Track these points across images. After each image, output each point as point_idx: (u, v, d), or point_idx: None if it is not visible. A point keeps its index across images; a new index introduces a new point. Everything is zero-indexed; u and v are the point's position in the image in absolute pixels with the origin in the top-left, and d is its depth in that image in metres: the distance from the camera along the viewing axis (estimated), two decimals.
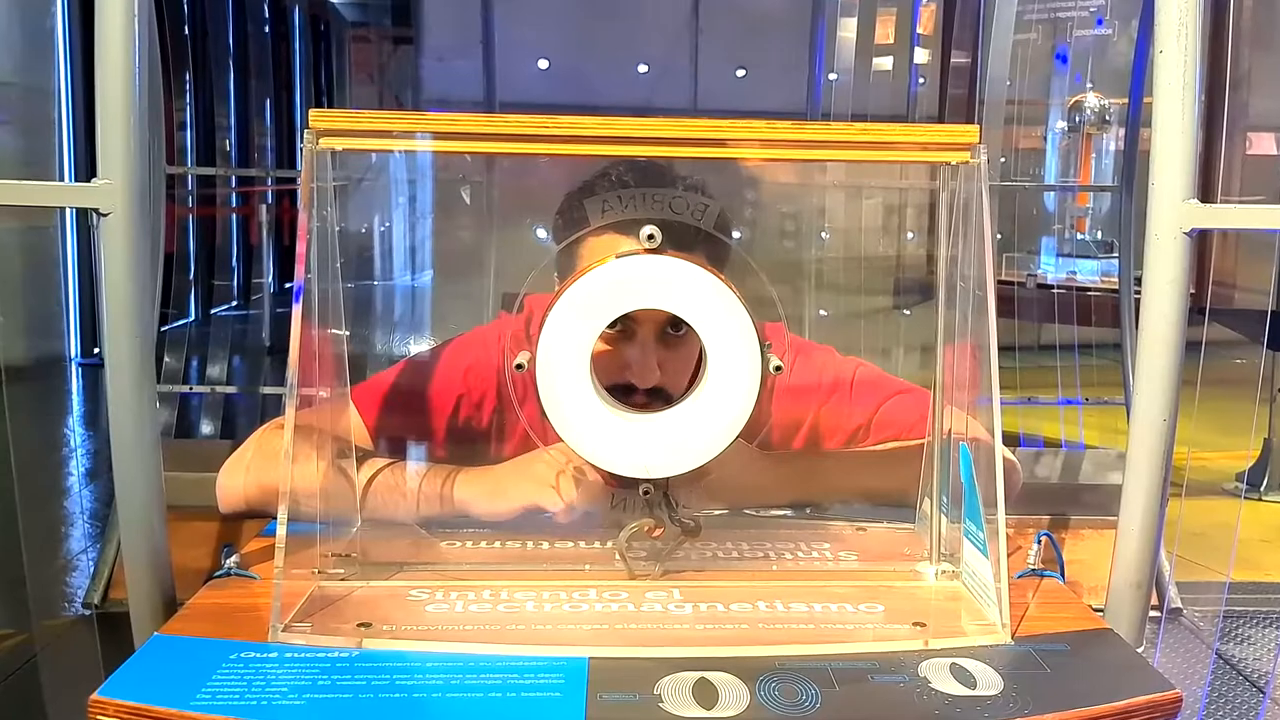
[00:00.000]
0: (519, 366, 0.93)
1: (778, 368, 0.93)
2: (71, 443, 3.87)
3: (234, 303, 5.82)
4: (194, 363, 3.53)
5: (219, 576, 0.96)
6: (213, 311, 5.30)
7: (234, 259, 6.02)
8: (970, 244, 0.92)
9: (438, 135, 0.91)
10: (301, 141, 0.88)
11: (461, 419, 1.21)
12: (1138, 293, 0.99)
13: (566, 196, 1.04)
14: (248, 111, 5.56)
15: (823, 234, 3.36)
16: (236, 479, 1.13)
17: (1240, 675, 2.01)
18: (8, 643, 2.01)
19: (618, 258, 0.93)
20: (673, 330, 1.06)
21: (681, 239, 0.95)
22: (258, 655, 0.81)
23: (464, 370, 1.21)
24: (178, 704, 0.74)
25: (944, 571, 0.99)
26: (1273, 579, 2.58)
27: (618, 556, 0.98)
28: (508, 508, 1.06)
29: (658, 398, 1.06)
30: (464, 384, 1.21)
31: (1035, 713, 0.75)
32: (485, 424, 1.21)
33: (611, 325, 0.98)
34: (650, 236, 0.93)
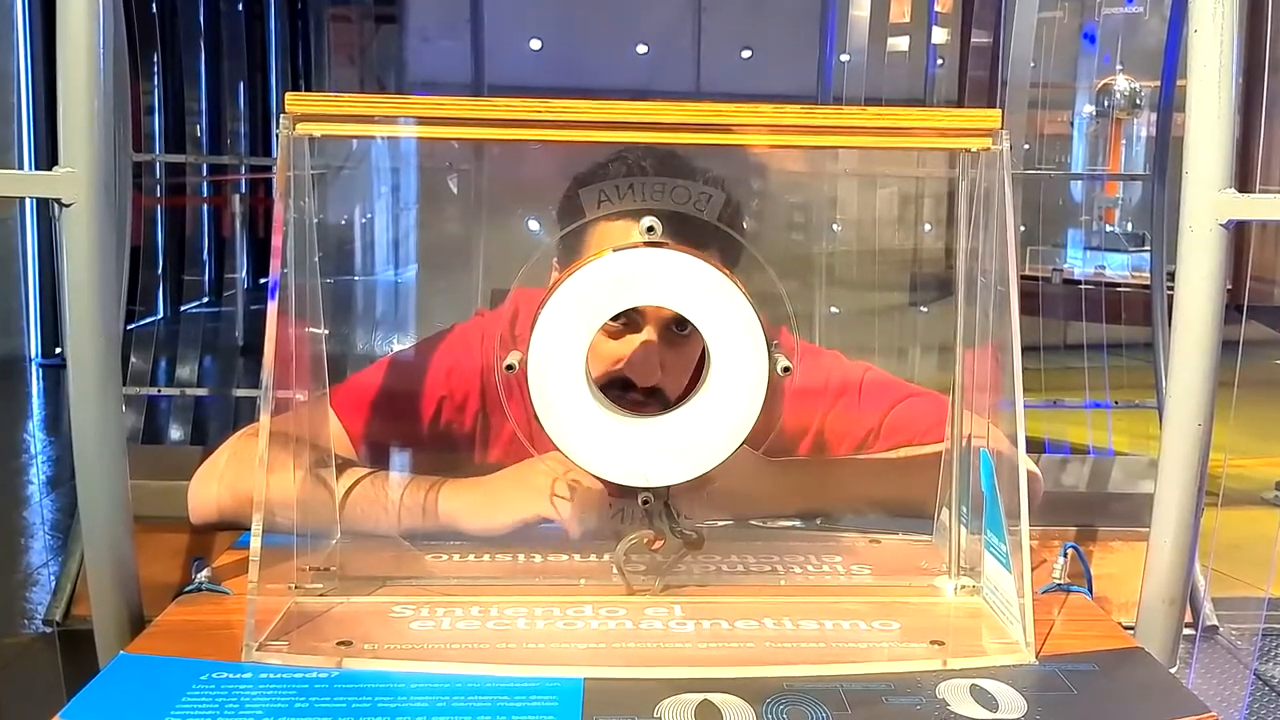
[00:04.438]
0: (509, 368, 0.93)
1: (786, 369, 0.93)
2: (31, 449, 3.87)
3: (205, 299, 5.82)
4: (162, 363, 3.52)
5: (189, 592, 0.96)
6: (182, 309, 5.30)
7: (205, 252, 6.02)
8: (991, 236, 0.92)
9: (423, 120, 0.91)
10: (277, 127, 0.88)
11: (443, 422, 1.21)
12: (1171, 288, 0.99)
13: (576, 179, 1.04)
14: (220, 95, 5.56)
15: (834, 226, 3.37)
16: (208, 488, 1.13)
17: None
18: None
19: (615, 251, 0.93)
20: (678, 329, 1.06)
21: (695, 234, 0.95)
22: (230, 676, 0.81)
23: (446, 371, 1.22)
24: None
25: (964, 586, 0.99)
26: None
27: (615, 570, 0.98)
28: (504, 522, 1.06)
29: (654, 397, 1.06)
30: (446, 385, 1.21)
31: None
32: (468, 427, 1.21)
33: (614, 317, 0.98)
34: (650, 229, 0.93)
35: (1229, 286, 0.98)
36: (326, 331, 0.99)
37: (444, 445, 1.21)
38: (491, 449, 1.20)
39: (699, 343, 0.97)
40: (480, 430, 1.22)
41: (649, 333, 1.07)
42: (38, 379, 5.12)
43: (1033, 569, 0.88)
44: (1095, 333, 3.53)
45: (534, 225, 1.28)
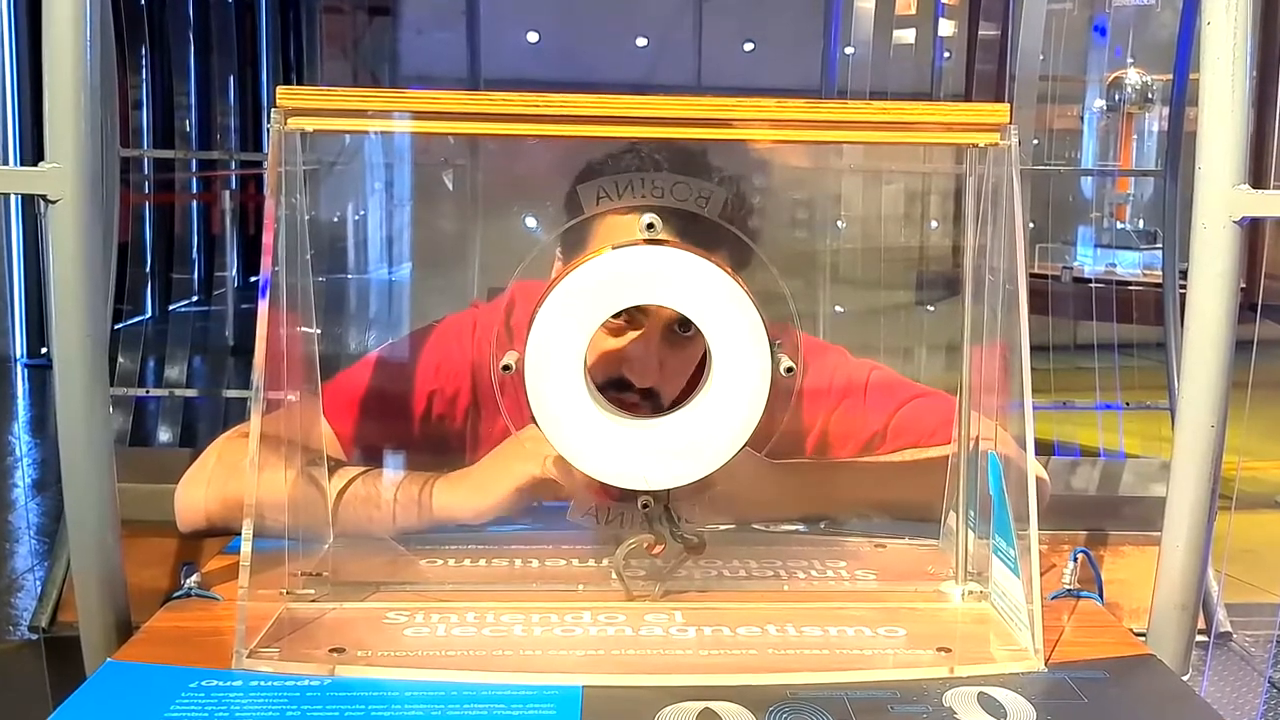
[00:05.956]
0: (506, 368, 0.93)
1: (789, 369, 0.93)
2: (17, 451, 3.87)
3: (195, 298, 5.81)
4: (150, 364, 3.52)
5: (178, 597, 0.96)
6: (171, 308, 5.29)
7: (195, 250, 6.02)
8: (1000, 233, 0.92)
9: (417, 115, 0.91)
10: (268, 122, 0.88)
11: (435, 417, 1.21)
12: (1183, 287, 0.99)
13: (584, 169, 1.04)
14: (210, 89, 5.55)
15: (838, 223, 3.36)
16: (197, 491, 1.13)
17: None
18: None
19: (614, 249, 0.93)
20: (680, 330, 1.06)
21: (702, 233, 0.95)
22: (220, 683, 0.81)
23: (435, 365, 1.22)
24: None
25: (971, 592, 0.99)
26: None
27: (614, 575, 0.98)
28: (496, 499, 1.06)
29: (649, 399, 1.06)
30: (436, 380, 1.21)
31: None
32: (460, 422, 1.21)
33: (615, 314, 0.98)
34: (650, 226, 0.93)
35: (1243, 285, 0.98)
36: (318, 331, 0.99)
37: (436, 441, 1.21)
38: (484, 445, 1.20)
39: (700, 345, 0.97)
40: (472, 426, 1.21)
41: (649, 331, 1.07)
42: (23, 380, 5.12)
43: (1042, 574, 0.88)
44: (1106, 332, 3.53)
45: (531, 222, 1.28)
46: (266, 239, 0.88)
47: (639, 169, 0.99)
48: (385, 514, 1.06)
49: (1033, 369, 0.89)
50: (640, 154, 1.03)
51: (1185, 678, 0.94)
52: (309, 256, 0.95)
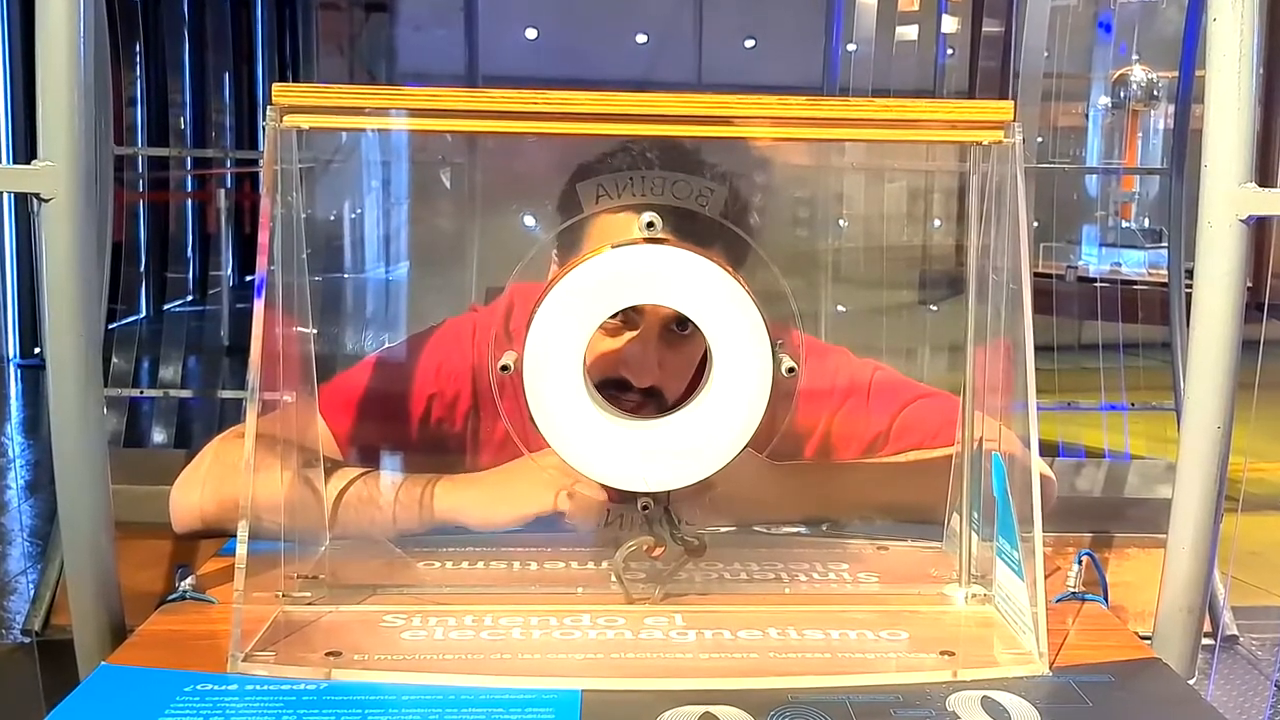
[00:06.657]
0: (505, 369, 0.93)
1: (791, 370, 0.93)
2: (10, 452, 3.87)
3: (189, 297, 5.81)
4: (145, 364, 3.52)
5: (173, 600, 0.96)
6: (166, 307, 5.29)
7: (189, 249, 6.01)
8: (1004, 232, 0.92)
9: (414, 113, 0.91)
10: (264, 119, 0.88)
11: (434, 420, 1.21)
12: (1189, 286, 0.99)
13: (577, 170, 1.04)
14: (205, 86, 5.56)
15: (840, 222, 3.36)
16: (192, 493, 1.13)
17: None
18: None
19: (613, 248, 0.93)
20: (678, 328, 1.06)
21: (699, 231, 0.95)
22: (215, 687, 0.81)
23: (435, 368, 1.22)
24: None
25: (975, 595, 0.99)
26: None
27: (614, 578, 0.98)
28: (514, 515, 1.06)
29: (650, 400, 1.06)
30: (436, 383, 1.21)
31: None
32: (459, 426, 1.22)
33: (612, 314, 0.98)
34: (650, 224, 0.93)
35: (1249, 284, 0.98)
36: (315, 331, 0.99)
37: (434, 445, 1.21)
38: (484, 449, 1.20)
39: (700, 343, 0.96)
40: (472, 429, 1.22)
41: (647, 330, 1.07)
42: (16, 380, 5.12)
43: (1046, 577, 0.88)
44: (1111, 332, 3.53)
45: (529, 221, 1.28)
46: (262, 238, 0.88)
47: (631, 167, 0.99)
48: (385, 515, 1.07)
49: (1037, 369, 0.89)
50: (632, 152, 1.03)
51: (1191, 681, 0.94)
52: (305, 255, 0.95)
